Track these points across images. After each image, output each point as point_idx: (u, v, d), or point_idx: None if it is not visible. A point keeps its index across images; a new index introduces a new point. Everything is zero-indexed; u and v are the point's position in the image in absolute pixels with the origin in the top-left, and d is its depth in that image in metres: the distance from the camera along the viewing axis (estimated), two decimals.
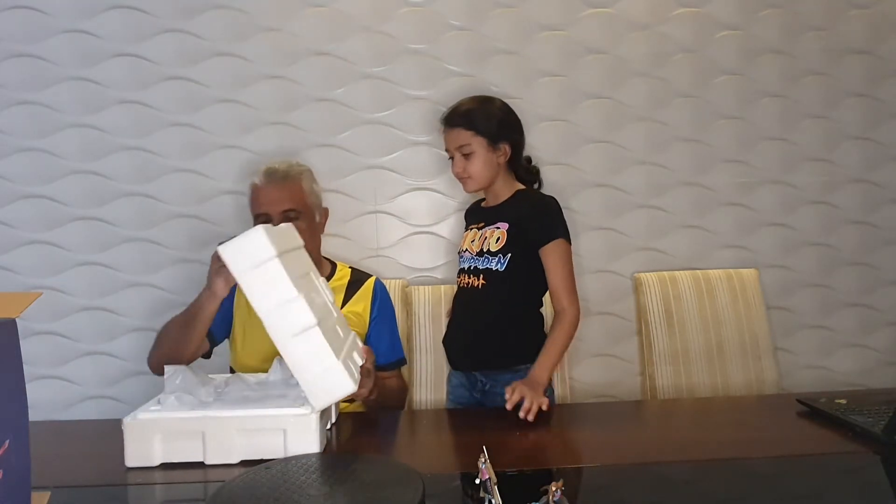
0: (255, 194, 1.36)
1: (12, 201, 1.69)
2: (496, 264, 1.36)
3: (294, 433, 0.94)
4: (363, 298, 1.42)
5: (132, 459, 0.95)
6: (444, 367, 1.64)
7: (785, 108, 1.87)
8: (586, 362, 1.80)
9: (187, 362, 1.24)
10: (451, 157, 1.42)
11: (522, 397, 1.13)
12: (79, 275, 1.71)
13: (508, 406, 1.13)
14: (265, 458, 0.93)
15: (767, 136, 1.87)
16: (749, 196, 1.88)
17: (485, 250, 1.38)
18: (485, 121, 1.37)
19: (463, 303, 1.44)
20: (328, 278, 1.42)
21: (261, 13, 1.71)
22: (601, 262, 1.82)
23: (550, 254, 1.33)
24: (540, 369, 1.25)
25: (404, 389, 1.51)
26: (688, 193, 1.86)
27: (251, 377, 1.11)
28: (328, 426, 1.06)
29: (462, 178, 1.40)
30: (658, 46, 1.81)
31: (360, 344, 1.16)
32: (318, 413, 0.96)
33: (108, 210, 1.71)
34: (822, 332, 1.91)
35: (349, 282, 1.43)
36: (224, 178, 1.74)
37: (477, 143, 1.36)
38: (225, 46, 1.71)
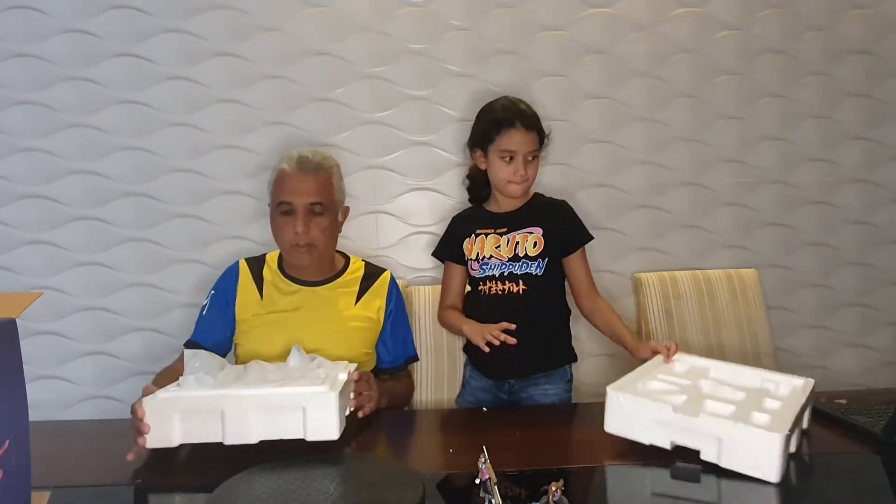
0: (283, 180, 1.30)
1: (12, 201, 1.69)
2: (535, 269, 1.37)
3: (314, 411, 0.94)
4: (378, 296, 1.40)
5: (153, 440, 0.94)
6: (447, 368, 1.65)
7: (785, 108, 1.87)
8: (587, 362, 1.79)
9: None
10: (503, 159, 1.36)
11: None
12: (79, 275, 1.71)
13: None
14: (284, 437, 0.93)
15: (767, 136, 1.87)
16: (749, 196, 1.88)
17: (521, 255, 1.38)
18: (541, 126, 1.39)
19: (499, 310, 1.37)
20: (341, 272, 1.40)
21: (261, 13, 1.71)
22: (601, 261, 1.82)
23: (579, 256, 1.43)
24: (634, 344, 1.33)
25: (410, 388, 1.50)
26: (688, 193, 1.86)
27: (270, 364, 1.10)
28: (346, 412, 1.05)
29: (517, 183, 1.36)
30: (658, 46, 1.81)
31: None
32: (338, 391, 0.96)
33: (108, 210, 1.71)
34: (822, 332, 1.91)
35: (363, 275, 1.41)
36: (224, 178, 1.73)
37: (539, 149, 1.39)
38: (225, 46, 1.71)
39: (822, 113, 1.88)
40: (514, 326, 1.24)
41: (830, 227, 1.90)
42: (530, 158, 1.36)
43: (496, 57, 1.78)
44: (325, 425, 0.94)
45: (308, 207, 1.28)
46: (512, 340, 1.22)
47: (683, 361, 1.18)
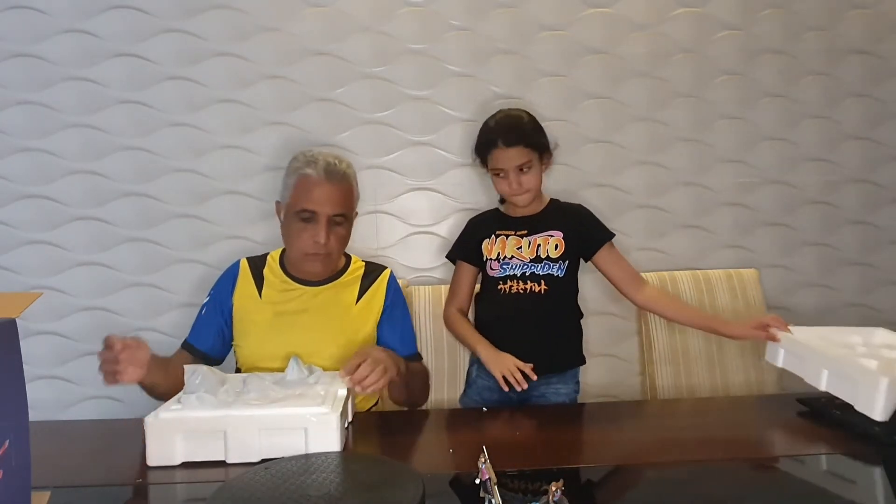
0: (307, 187, 1.25)
1: (12, 201, 1.69)
2: (557, 270, 1.41)
3: (315, 432, 0.95)
4: (378, 293, 1.39)
5: (154, 458, 0.95)
6: (447, 368, 1.65)
7: (785, 108, 1.87)
8: (587, 362, 1.79)
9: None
10: (498, 175, 1.39)
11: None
12: (79, 275, 1.71)
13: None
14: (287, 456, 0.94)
15: (767, 136, 1.87)
16: (749, 196, 1.88)
17: (543, 257, 1.41)
18: (537, 135, 1.40)
19: (519, 309, 1.41)
20: (342, 271, 1.39)
21: (261, 13, 1.71)
22: None
23: (611, 252, 1.46)
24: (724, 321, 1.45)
25: (426, 373, 1.46)
26: (688, 193, 1.86)
27: (269, 376, 1.11)
28: (346, 425, 1.06)
29: (516, 195, 1.40)
30: (658, 46, 1.81)
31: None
32: (339, 411, 0.97)
33: (108, 210, 1.71)
34: None
35: (363, 274, 1.41)
36: (224, 178, 1.73)
37: (534, 159, 1.39)
38: (225, 46, 1.71)
39: (822, 113, 1.88)
40: (535, 377, 1.30)
41: (830, 227, 1.91)
42: (525, 170, 1.38)
43: (496, 57, 1.78)
44: (326, 445, 0.95)
45: (330, 219, 1.26)
46: (525, 385, 1.28)
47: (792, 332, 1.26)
